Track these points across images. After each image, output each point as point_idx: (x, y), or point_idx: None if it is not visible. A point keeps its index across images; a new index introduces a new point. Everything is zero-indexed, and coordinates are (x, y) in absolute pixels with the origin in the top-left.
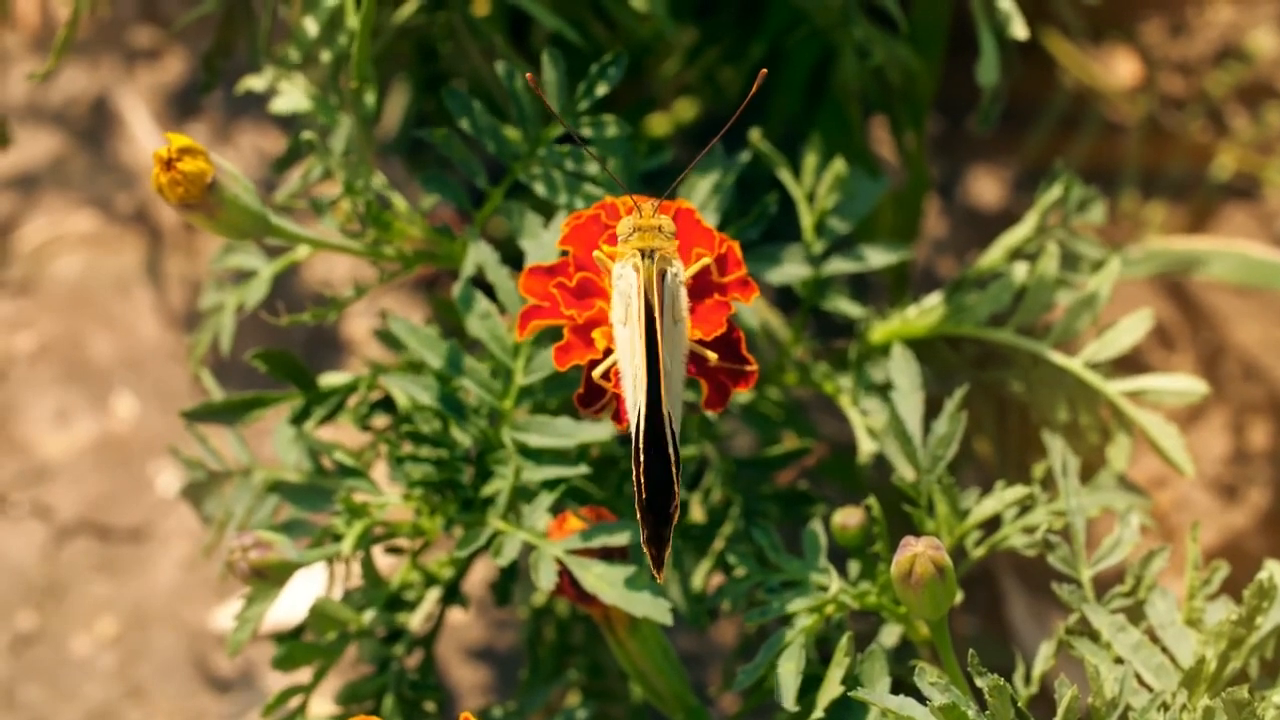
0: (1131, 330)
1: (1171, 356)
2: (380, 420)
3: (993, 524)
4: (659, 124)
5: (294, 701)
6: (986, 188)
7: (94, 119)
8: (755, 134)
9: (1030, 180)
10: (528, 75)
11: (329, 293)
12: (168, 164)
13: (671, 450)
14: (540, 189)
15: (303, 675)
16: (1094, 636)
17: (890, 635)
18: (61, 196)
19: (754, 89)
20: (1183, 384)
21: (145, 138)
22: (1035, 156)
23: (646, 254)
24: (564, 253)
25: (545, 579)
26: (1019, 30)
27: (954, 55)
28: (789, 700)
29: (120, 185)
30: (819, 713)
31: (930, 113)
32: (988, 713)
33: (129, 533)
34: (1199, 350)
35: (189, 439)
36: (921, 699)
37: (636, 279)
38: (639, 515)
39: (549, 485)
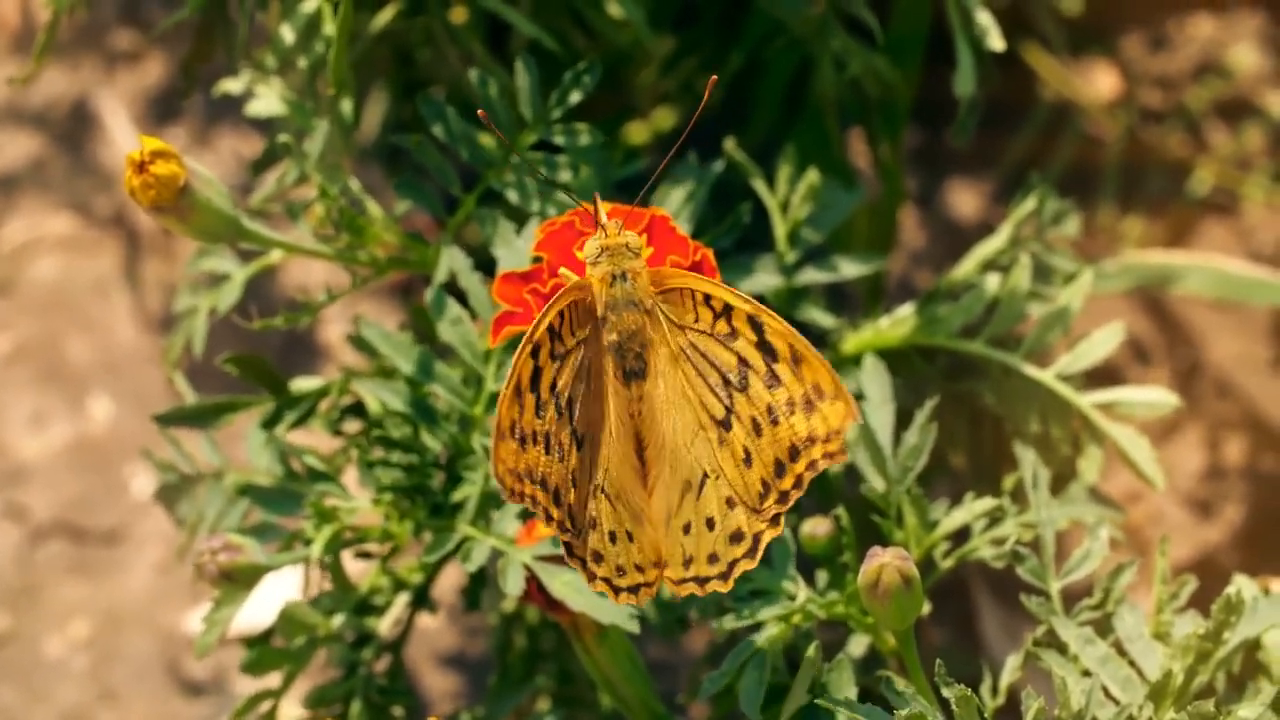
0: (1104, 343)
1: (1148, 371)
2: (352, 425)
3: (962, 535)
4: (637, 132)
5: (264, 706)
6: (964, 199)
7: (73, 122)
8: (730, 143)
9: (1009, 192)
10: (480, 113)
11: (304, 298)
12: (140, 167)
13: None
14: (513, 196)
15: (272, 680)
16: (1062, 649)
17: (858, 645)
18: (40, 199)
19: (705, 96)
20: (1154, 396)
21: (125, 141)
22: (1014, 169)
23: (618, 277)
24: (538, 259)
25: (513, 585)
26: (996, 42)
27: (933, 67)
28: (754, 709)
29: (99, 188)
30: None
31: (909, 124)
32: None
33: (104, 535)
34: (1175, 365)
35: (164, 442)
36: (888, 708)
37: None
38: (585, 552)
39: None
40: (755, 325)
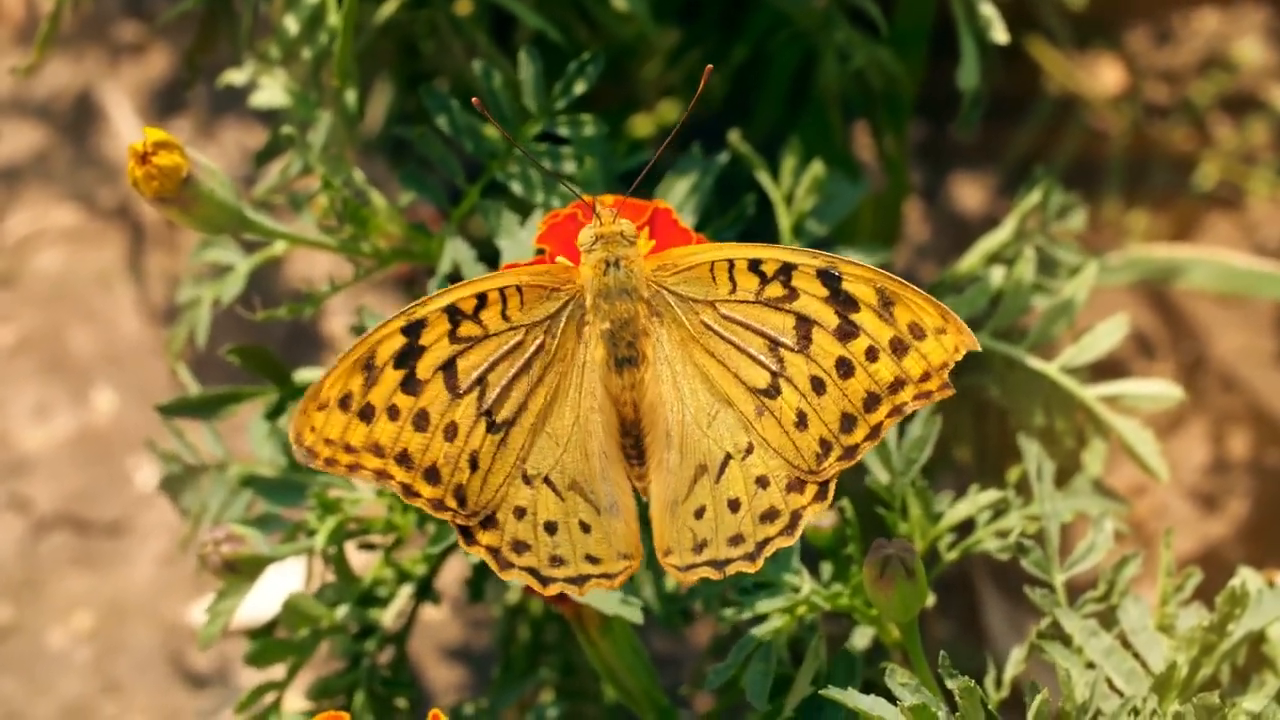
0: (1108, 335)
1: (1153, 365)
2: None
3: (967, 528)
4: (642, 125)
5: (268, 698)
6: (969, 193)
7: (77, 113)
8: (734, 135)
9: (1013, 186)
10: (474, 100)
11: (307, 289)
12: (143, 158)
13: None
14: (517, 187)
15: (277, 671)
16: (1066, 641)
17: (862, 637)
18: (44, 190)
19: (700, 87)
20: (1158, 389)
21: (129, 132)
22: (1019, 162)
23: (611, 264)
24: (540, 251)
25: None
26: (1000, 35)
27: (938, 60)
28: (759, 700)
29: (103, 180)
30: (789, 713)
31: (914, 117)
32: (958, 714)
33: (107, 527)
34: (1180, 359)
35: (168, 434)
36: (892, 700)
37: None
38: (504, 544)
39: None
40: (829, 278)
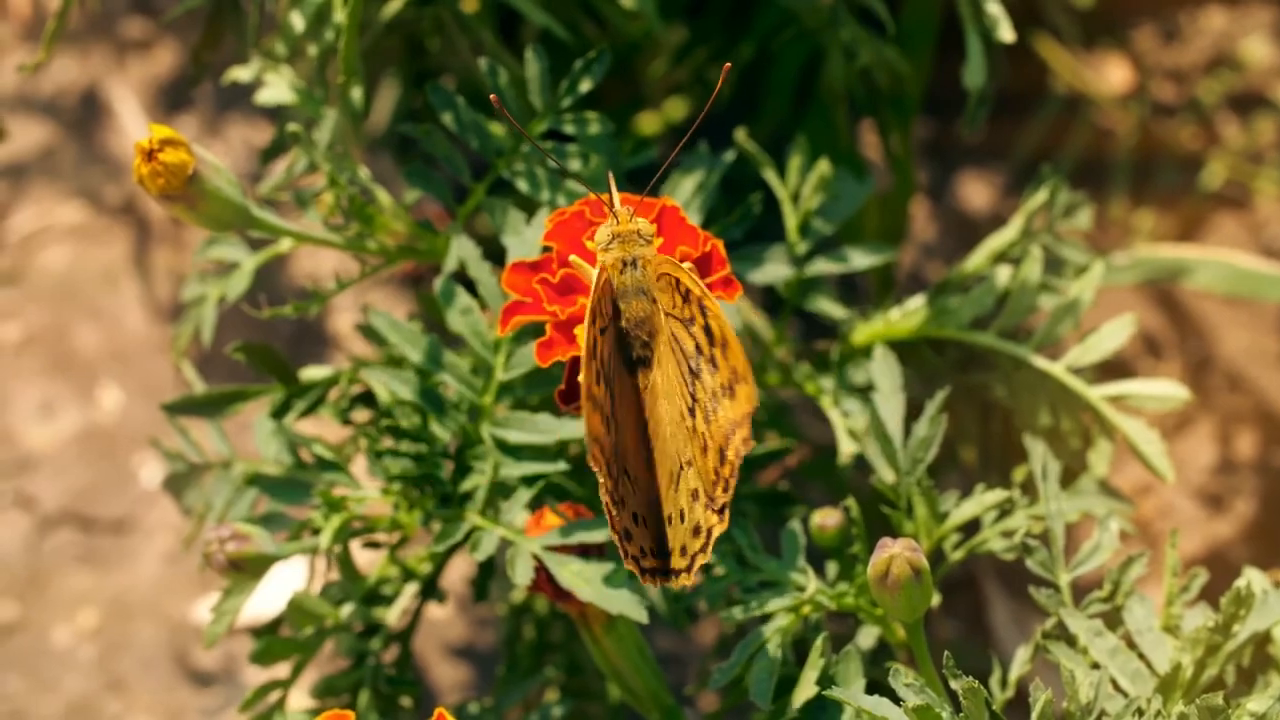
0: (1114, 335)
1: (1159, 365)
2: (361, 414)
3: (972, 527)
4: (649, 123)
5: (272, 696)
6: (976, 191)
7: (84, 110)
8: (741, 133)
9: (1020, 184)
10: (492, 96)
11: (313, 286)
12: (149, 155)
13: None
14: (523, 185)
15: (281, 670)
16: (1071, 641)
17: (867, 637)
18: (50, 187)
19: (719, 84)
20: (1164, 389)
21: (135, 129)
22: (1025, 161)
23: (629, 263)
24: (547, 249)
25: (522, 575)
26: (1006, 34)
27: (944, 58)
28: (763, 700)
29: (109, 177)
30: (793, 712)
31: (921, 116)
32: (962, 715)
33: (112, 524)
34: (1186, 359)
35: (173, 432)
36: (897, 700)
37: None
38: (606, 509)
39: (528, 481)
40: (701, 309)
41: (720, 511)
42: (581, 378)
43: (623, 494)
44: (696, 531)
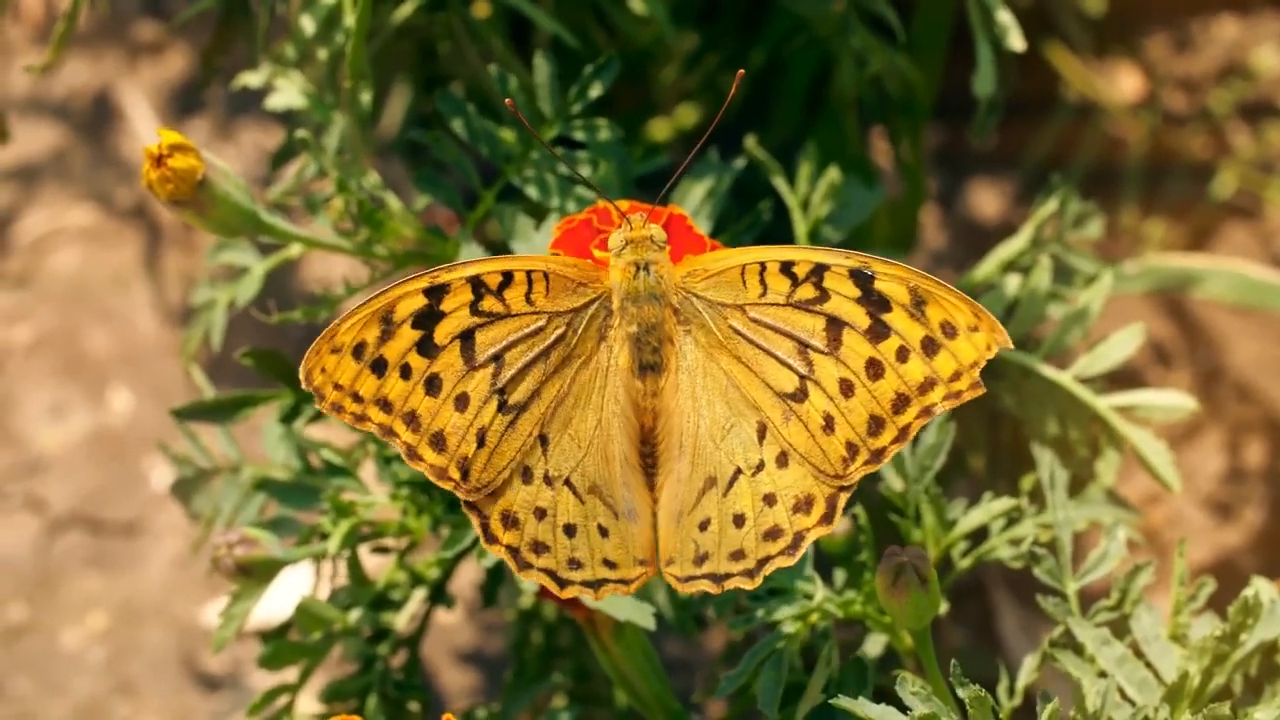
0: (1122, 345)
1: (1169, 374)
2: None
3: (980, 535)
4: (660, 129)
5: (280, 700)
6: (987, 199)
7: (95, 113)
8: (751, 141)
9: (1031, 192)
10: (507, 100)
11: (323, 291)
12: (158, 160)
13: None
14: (533, 192)
15: (289, 674)
16: (1078, 650)
17: (875, 645)
18: (61, 190)
19: (733, 90)
20: (1171, 400)
21: (146, 133)
22: (1036, 169)
23: (641, 269)
24: (555, 255)
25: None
26: (1016, 42)
27: (956, 66)
28: (771, 707)
29: (120, 180)
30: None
31: (932, 123)
32: None
33: (122, 527)
34: (1196, 368)
35: (182, 436)
36: (904, 708)
37: None
38: (523, 542)
39: None
40: (862, 278)
41: (826, 518)
42: (350, 327)
43: (545, 506)
44: (773, 535)
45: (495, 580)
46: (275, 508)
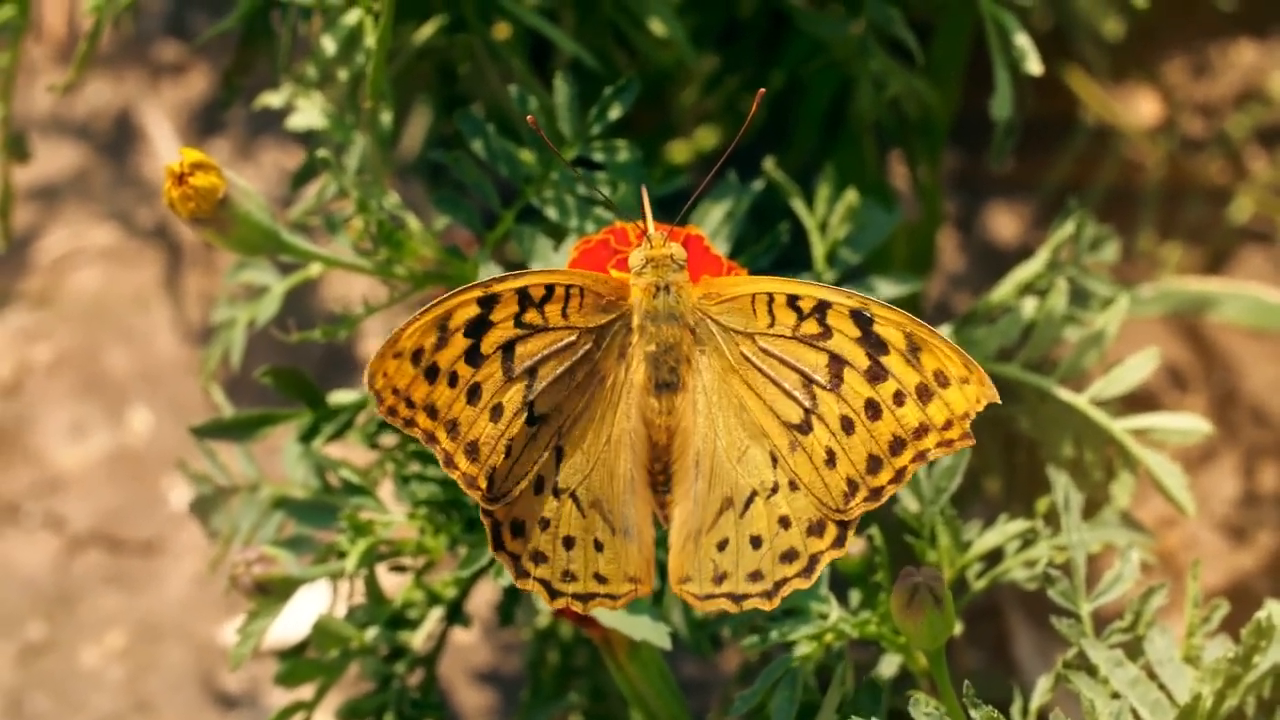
0: (1138, 368)
1: (1185, 398)
2: (388, 439)
3: (995, 557)
4: (679, 151)
5: (297, 718)
6: (1005, 223)
7: (117, 133)
8: (769, 163)
9: (1049, 216)
10: (529, 117)
11: (343, 311)
12: (180, 178)
13: None
14: (552, 212)
15: (306, 692)
16: (1092, 671)
17: (890, 665)
18: (82, 209)
19: (753, 110)
20: (1187, 423)
21: (168, 153)
22: (1054, 192)
23: (661, 289)
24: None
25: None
26: (1034, 66)
27: (974, 89)
28: None
29: (141, 200)
30: None
31: (951, 147)
32: None
33: (141, 546)
34: (1212, 392)
35: (201, 455)
36: None
37: None
38: (524, 550)
39: None
40: (862, 319)
41: (839, 541)
42: (412, 332)
43: (548, 517)
44: (789, 557)
45: (512, 599)
46: (293, 526)
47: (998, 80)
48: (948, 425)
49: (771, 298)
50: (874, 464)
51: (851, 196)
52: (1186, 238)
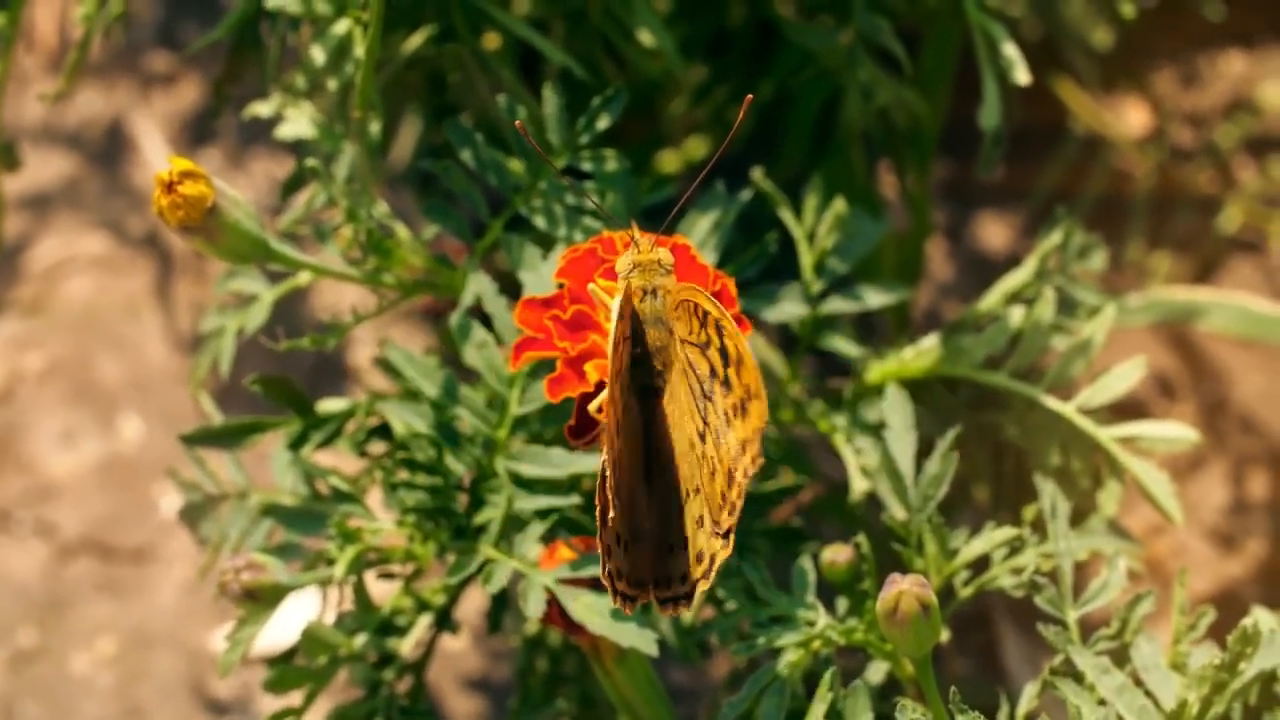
0: (1125, 377)
1: (1173, 406)
2: (377, 447)
3: (982, 564)
4: (669, 161)
5: None
6: (994, 232)
7: (108, 142)
8: (757, 173)
9: (1038, 225)
10: (516, 123)
11: (332, 320)
12: (169, 187)
13: None
14: (540, 222)
15: (295, 699)
16: (1079, 678)
17: (877, 672)
18: (74, 218)
19: (740, 116)
20: (1173, 431)
21: (158, 162)
22: (1043, 202)
23: (649, 291)
24: (561, 285)
25: (534, 607)
26: (1021, 75)
27: (963, 98)
28: None
29: (132, 208)
30: None
31: (939, 156)
32: None
33: (131, 553)
34: (1201, 400)
35: (190, 462)
36: None
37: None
38: (600, 545)
39: (541, 515)
40: (718, 330)
41: (725, 536)
42: (608, 396)
43: (612, 515)
44: (700, 558)
45: (500, 606)
46: (282, 533)
47: (986, 90)
48: (754, 438)
49: (692, 305)
50: (729, 478)
51: (840, 206)
52: (1175, 247)
